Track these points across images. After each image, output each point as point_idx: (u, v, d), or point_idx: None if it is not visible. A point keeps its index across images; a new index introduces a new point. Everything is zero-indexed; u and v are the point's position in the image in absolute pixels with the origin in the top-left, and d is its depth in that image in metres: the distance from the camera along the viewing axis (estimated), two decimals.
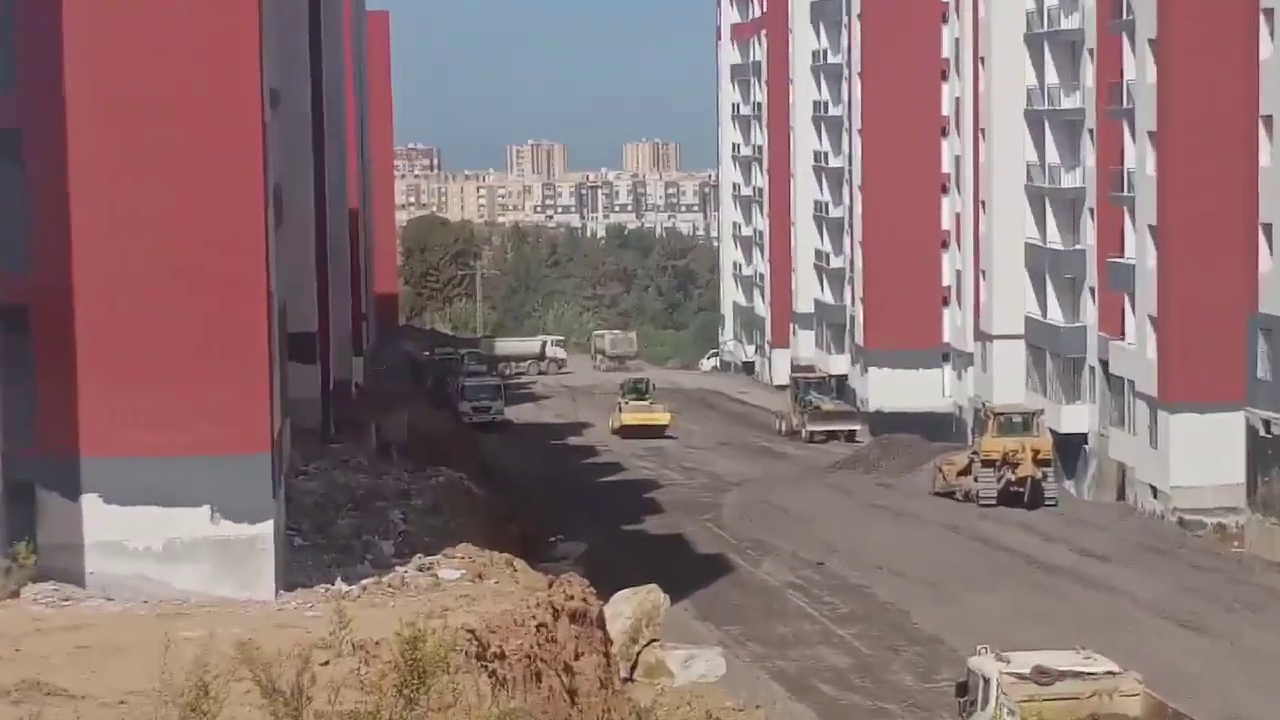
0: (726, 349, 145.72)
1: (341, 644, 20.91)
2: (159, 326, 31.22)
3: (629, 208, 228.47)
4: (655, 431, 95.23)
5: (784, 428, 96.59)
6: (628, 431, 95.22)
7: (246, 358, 31.93)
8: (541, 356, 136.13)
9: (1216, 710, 35.87)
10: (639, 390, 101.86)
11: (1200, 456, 65.87)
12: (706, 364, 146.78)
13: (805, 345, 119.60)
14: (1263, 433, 62.65)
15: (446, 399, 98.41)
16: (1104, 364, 75.56)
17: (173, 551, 31.47)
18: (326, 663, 20.69)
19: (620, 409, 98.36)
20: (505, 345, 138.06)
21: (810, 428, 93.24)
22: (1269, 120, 61.13)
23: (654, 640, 38.98)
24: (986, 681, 33.39)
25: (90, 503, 31.37)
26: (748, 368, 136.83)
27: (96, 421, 31.28)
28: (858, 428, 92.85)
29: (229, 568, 31.60)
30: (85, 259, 31.04)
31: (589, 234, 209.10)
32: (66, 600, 29.15)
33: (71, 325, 31.14)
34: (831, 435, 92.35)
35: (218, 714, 16.30)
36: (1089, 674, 33.97)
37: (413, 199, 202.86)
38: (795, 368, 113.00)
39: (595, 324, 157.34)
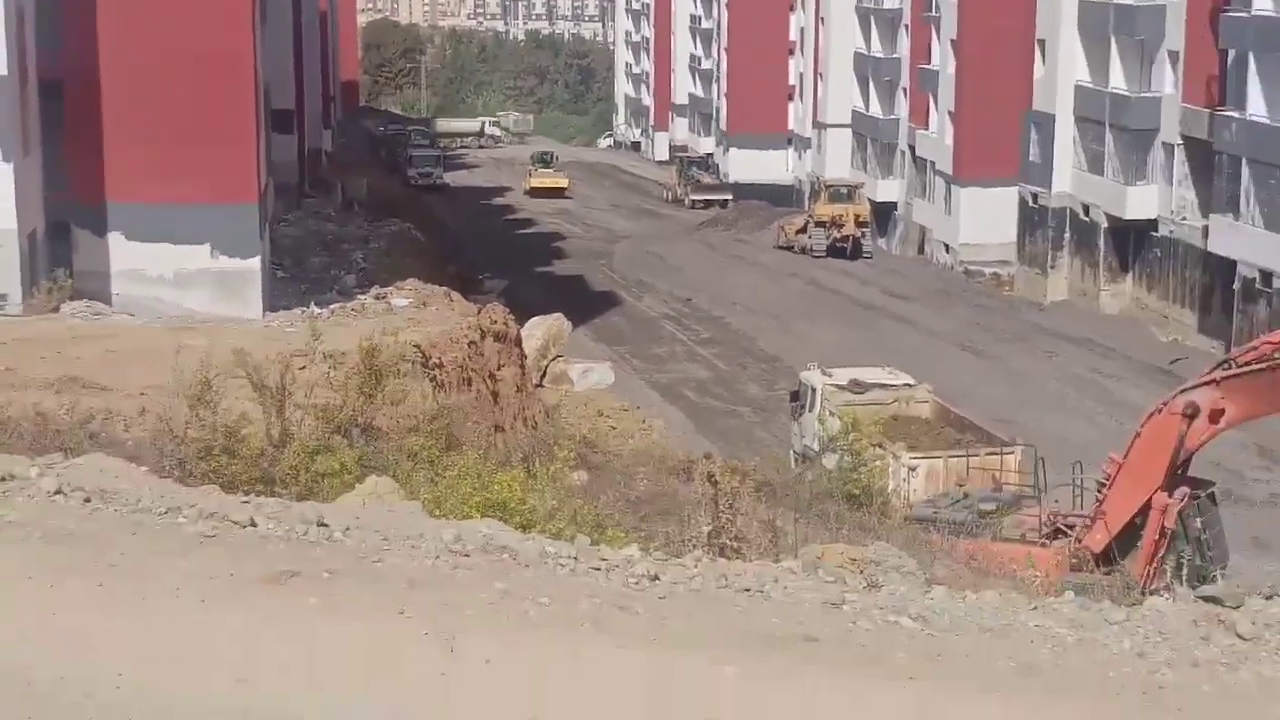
0: (619, 131, 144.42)
1: (314, 353, 20.81)
2: (168, 98, 30.65)
3: (543, 16, 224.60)
4: (557, 193, 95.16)
5: (669, 197, 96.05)
6: (536, 192, 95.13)
7: (238, 124, 31.47)
8: (481, 134, 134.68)
9: (987, 413, 36.56)
10: (545, 161, 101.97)
11: (983, 221, 66.37)
12: (603, 143, 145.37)
13: (681, 130, 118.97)
14: (1030, 203, 63.30)
15: (398, 166, 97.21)
16: (912, 149, 75.57)
17: (181, 279, 31.24)
18: (303, 367, 20.59)
19: (530, 174, 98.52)
20: (452, 124, 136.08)
21: (693, 197, 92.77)
22: None
23: (559, 356, 39.17)
24: (813, 391, 33.89)
25: (115, 239, 31.05)
26: (635, 147, 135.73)
27: (119, 174, 30.84)
28: (730, 198, 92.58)
29: (226, 292, 31.42)
30: (108, 41, 30.35)
31: (511, 37, 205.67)
32: (97, 315, 28.87)
33: (98, 96, 30.54)
34: (709, 204, 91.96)
35: (218, 403, 16.24)
36: (892, 385, 34.57)
37: (370, 4, 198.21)
38: (674, 148, 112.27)
39: (513, 109, 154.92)
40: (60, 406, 16.23)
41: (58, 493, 10.32)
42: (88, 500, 10.25)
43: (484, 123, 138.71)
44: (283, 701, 7.89)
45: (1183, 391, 22.61)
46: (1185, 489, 22.92)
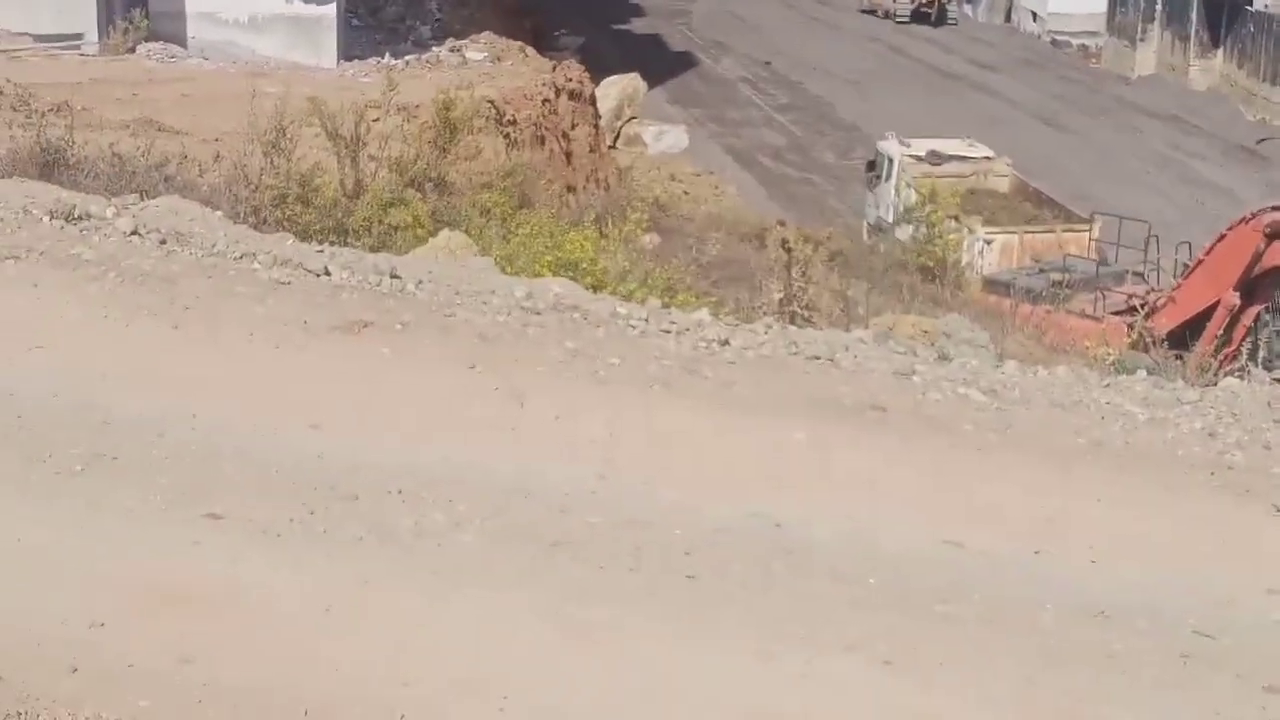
0: None
1: (389, 104, 20.67)
2: None
3: None
4: None
5: None
6: None
7: None
8: None
9: (1067, 189, 36.05)
10: None
11: None
12: None
13: None
14: None
15: None
16: None
17: (256, 24, 31.00)
18: (377, 119, 20.47)
19: None
20: None
21: None
22: None
23: (633, 118, 38.82)
24: (890, 161, 33.46)
25: None
26: None
27: None
28: None
29: (300, 39, 31.17)
30: None
31: None
32: (172, 58, 28.76)
33: None
34: None
35: (292, 151, 16.21)
36: (970, 158, 34.07)
37: None
38: None
39: None
40: (136, 148, 16.21)
41: (134, 233, 10.38)
42: (163, 242, 10.31)
43: None
44: (355, 449, 8.00)
45: (1273, 209, 22.81)
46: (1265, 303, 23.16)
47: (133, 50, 28.69)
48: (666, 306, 11.20)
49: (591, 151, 30.90)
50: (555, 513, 7.57)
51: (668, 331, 10.03)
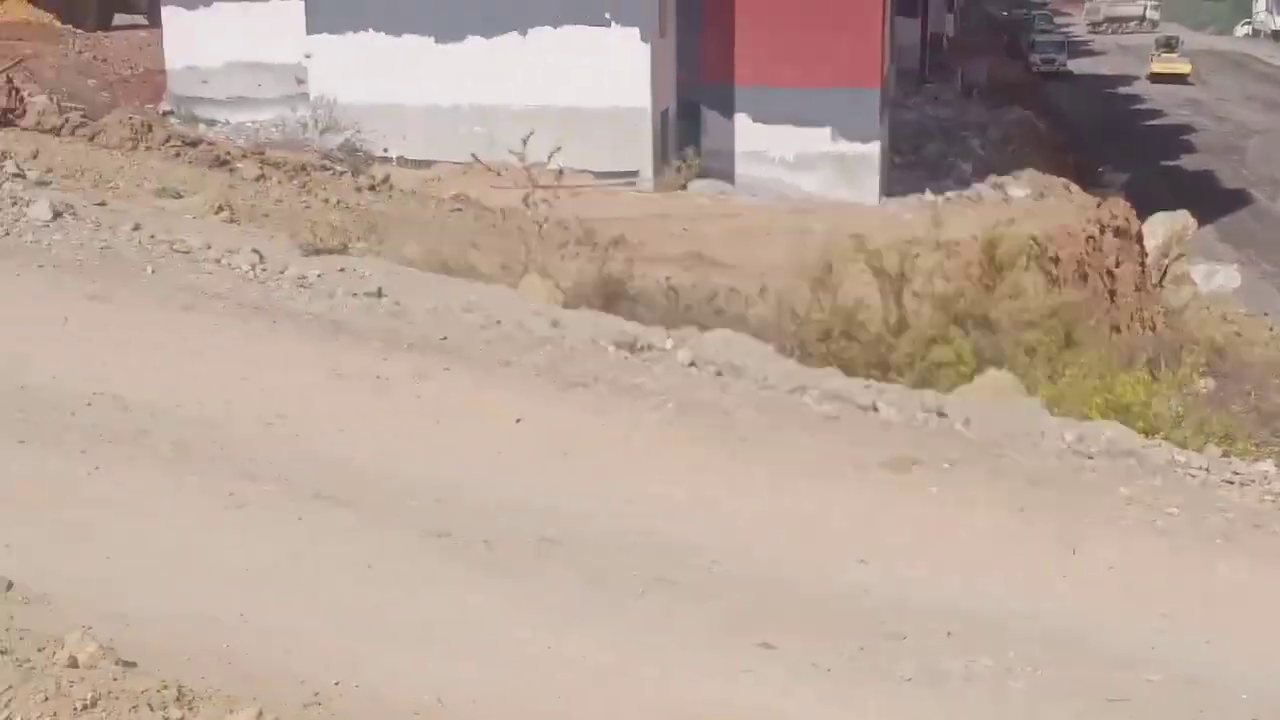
0: (1258, 19, 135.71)
1: (932, 241, 20.76)
2: None
3: None
4: (1179, 79, 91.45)
5: None
6: (1156, 78, 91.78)
7: (864, 9, 31.72)
8: (1143, 18, 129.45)
9: None
10: (1168, 45, 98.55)
11: None
12: (1240, 31, 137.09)
13: None
14: None
15: (1019, 52, 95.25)
16: None
17: (802, 162, 31.94)
18: (918, 255, 20.62)
19: (1153, 59, 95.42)
20: (1116, 8, 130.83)
21: None
22: None
23: (1181, 255, 37.58)
24: None
25: (741, 121, 32.06)
26: (1276, 36, 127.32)
27: (748, 58, 31.77)
28: None
29: (843, 176, 31.89)
30: None
31: None
32: (722, 194, 29.95)
33: None
34: None
35: (838, 285, 16.53)
36: None
37: None
38: None
39: None
40: (689, 281, 16.94)
41: (691, 365, 10.79)
42: (719, 374, 10.67)
43: (1145, 6, 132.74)
44: (903, 586, 8.00)
45: None
46: None
47: (684, 187, 30.08)
48: (1226, 455, 10.73)
49: (1137, 290, 30.12)
50: (1110, 667, 7.32)
51: (1230, 482, 9.60)
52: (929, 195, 31.93)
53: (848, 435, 9.88)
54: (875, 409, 10.45)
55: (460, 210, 23.77)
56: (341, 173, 23.71)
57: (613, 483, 8.92)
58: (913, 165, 37.34)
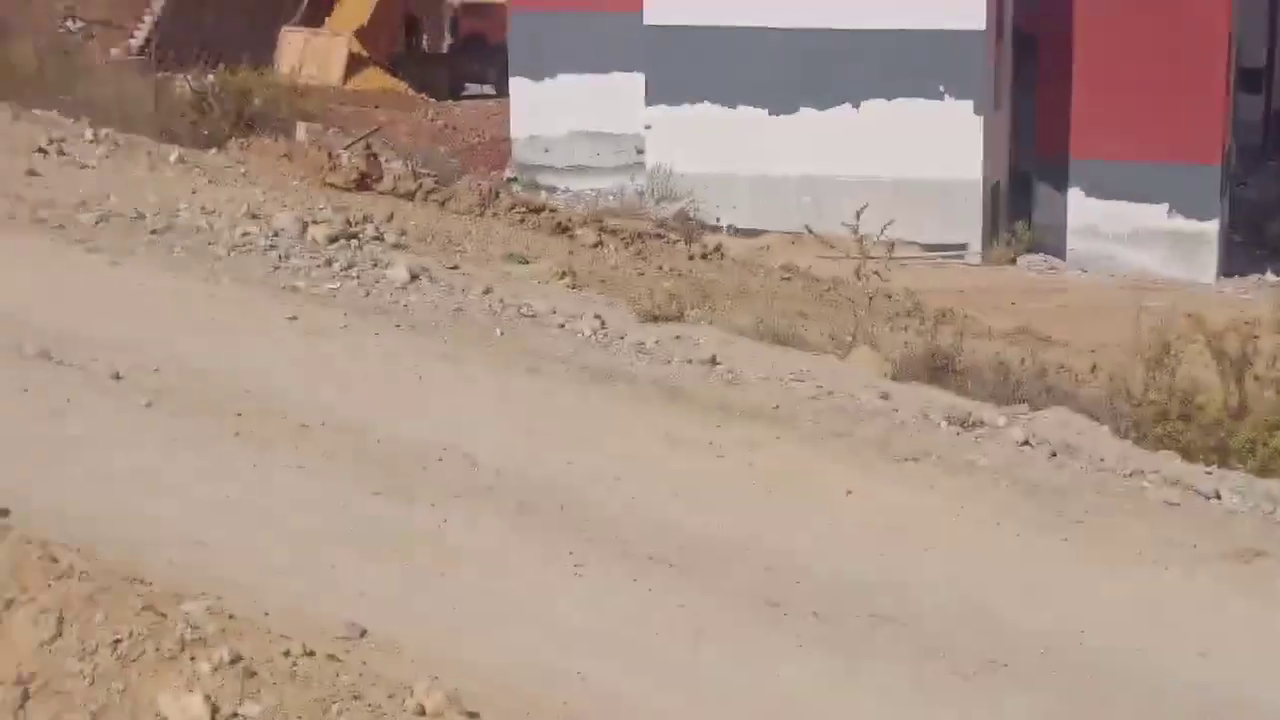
0: None
1: (1275, 323, 19.92)
2: (1139, 53, 30.57)
3: None
4: None
5: None
6: None
7: (1207, 82, 30.83)
8: None
9: None
10: None
11: None
12: None
13: None
14: None
15: None
16: None
17: (1135, 238, 31.16)
18: (1257, 336, 19.82)
19: None
20: None
21: None
22: None
23: None
24: None
25: (1074, 195, 31.52)
26: None
27: (1083, 130, 31.22)
28: None
29: (1179, 254, 31.01)
30: None
31: None
32: (1051, 269, 29.42)
33: (1070, 51, 30.99)
34: None
35: (1175, 367, 15.98)
36: None
37: None
38: None
39: None
40: (1018, 357, 16.63)
41: (1024, 443, 10.60)
42: (1054, 454, 10.45)
43: None
44: (1243, 682, 7.68)
45: None
46: None
47: (1013, 261, 29.65)
48: None
49: None
50: None
51: None
52: (1270, 276, 30.72)
53: (1188, 523, 9.55)
54: (1217, 497, 10.08)
55: (789, 279, 23.91)
56: (675, 241, 24.12)
57: (943, 560, 8.81)
58: (1253, 245, 36.00)
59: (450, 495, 8.94)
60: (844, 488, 9.65)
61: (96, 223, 13.84)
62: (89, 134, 19.31)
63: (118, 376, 10.04)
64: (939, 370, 14.65)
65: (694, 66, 32.51)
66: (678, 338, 12.61)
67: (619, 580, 8.16)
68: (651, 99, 33.40)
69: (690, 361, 11.91)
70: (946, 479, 9.87)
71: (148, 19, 51.52)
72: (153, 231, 13.80)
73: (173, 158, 18.46)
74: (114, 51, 44.19)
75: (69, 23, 49.30)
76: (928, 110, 30.89)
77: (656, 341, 12.35)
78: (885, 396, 11.53)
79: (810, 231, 23.37)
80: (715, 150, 32.38)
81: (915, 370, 14.11)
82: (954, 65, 30.75)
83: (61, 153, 17.24)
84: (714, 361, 11.95)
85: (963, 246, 30.41)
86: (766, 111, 32.37)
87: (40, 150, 17.06)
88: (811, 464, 10.00)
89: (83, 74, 28.42)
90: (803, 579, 8.41)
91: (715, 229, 30.69)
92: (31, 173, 15.72)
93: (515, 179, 36.37)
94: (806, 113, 31.95)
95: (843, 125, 31.57)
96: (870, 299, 16.28)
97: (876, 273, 16.58)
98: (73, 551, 7.07)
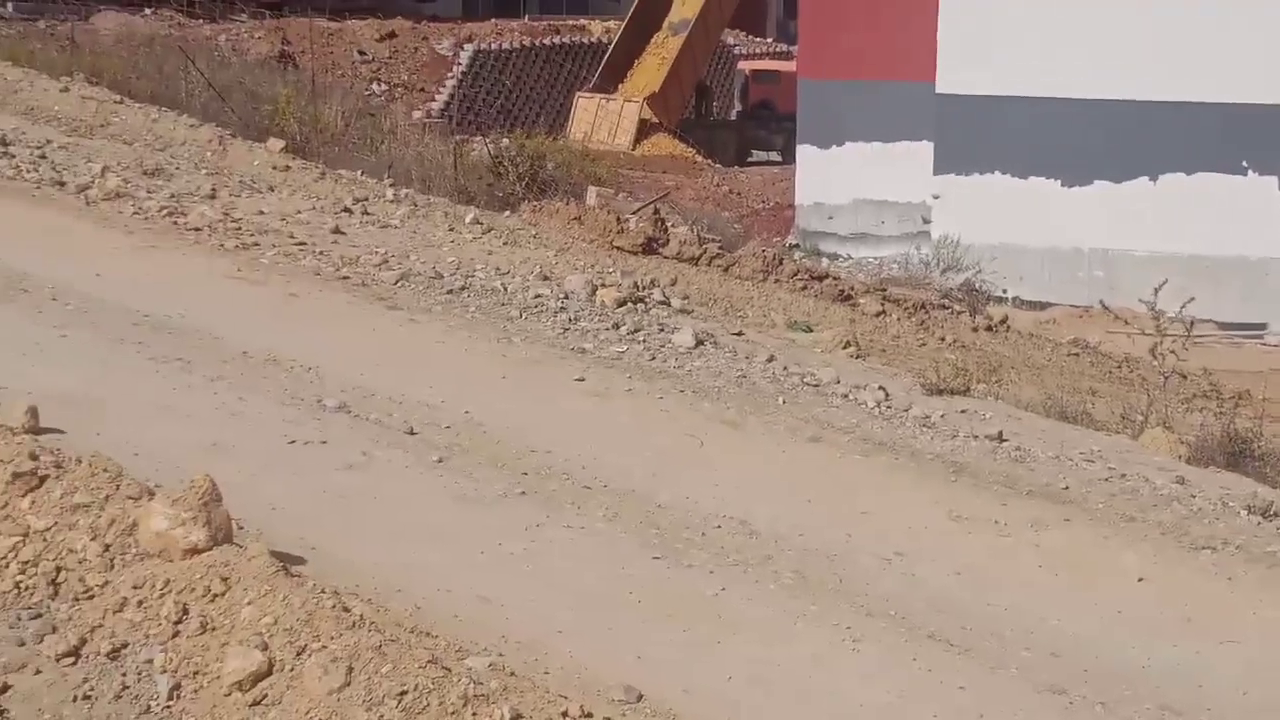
0: None
1: None
2: None
3: None
4: None
5: None
6: None
7: None
8: None
9: None
10: None
11: None
12: None
13: None
14: None
15: None
16: None
17: None
18: None
19: None
20: None
21: None
22: None
23: None
24: None
25: None
26: None
27: None
28: None
29: None
30: None
31: None
32: None
33: None
34: None
35: None
36: None
37: None
38: None
39: None
40: None
41: None
42: None
43: None
44: None
45: None
46: None
47: None
48: None
49: None
50: None
51: None
52: None
53: None
54: None
55: (1077, 355, 23.30)
56: (959, 312, 23.76)
57: (1241, 655, 8.42)
58: None
59: (729, 562, 8.91)
60: (1135, 573, 9.32)
61: (396, 281, 14.29)
62: (390, 194, 20.02)
63: (412, 432, 10.31)
64: (1237, 455, 14.08)
65: (985, 136, 32.13)
66: (963, 412, 12.40)
67: (898, 657, 8.00)
68: (940, 168, 33.10)
69: (976, 437, 11.67)
70: (1246, 570, 9.44)
71: (449, 83, 53.31)
72: (449, 291, 14.18)
73: (469, 218, 18.99)
74: (416, 114, 45.80)
75: (374, 86, 51.32)
76: (1228, 185, 29.93)
77: (942, 415, 12.15)
78: (1180, 481, 11.12)
79: (1104, 306, 22.78)
80: (1004, 221, 31.90)
81: (1211, 454, 13.59)
82: (1257, 140, 29.75)
83: (366, 212, 17.90)
84: (1000, 438, 11.69)
85: (1263, 326, 29.27)
86: (1059, 182, 31.77)
87: (346, 210, 17.75)
88: (1101, 547, 9.68)
89: (386, 136, 29.52)
90: (1090, 667, 8.13)
91: (1000, 300, 30.15)
92: (337, 231, 16.34)
93: (798, 245, 36.37)
94: (1101, 185, 31.25)
95: (1139, 198, 30.79)
96: (1165, 378, 15.76)
97: (1172, 351, 16.06)
98: (364, 602, 7.26)
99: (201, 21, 55.00)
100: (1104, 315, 26.28)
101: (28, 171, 17.04)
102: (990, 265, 31.16)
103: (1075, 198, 31.58)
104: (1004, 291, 31.07)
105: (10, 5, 50.20)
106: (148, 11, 54.21)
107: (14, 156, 17.66)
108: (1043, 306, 30.86)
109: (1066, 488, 10.70)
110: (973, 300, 27.33)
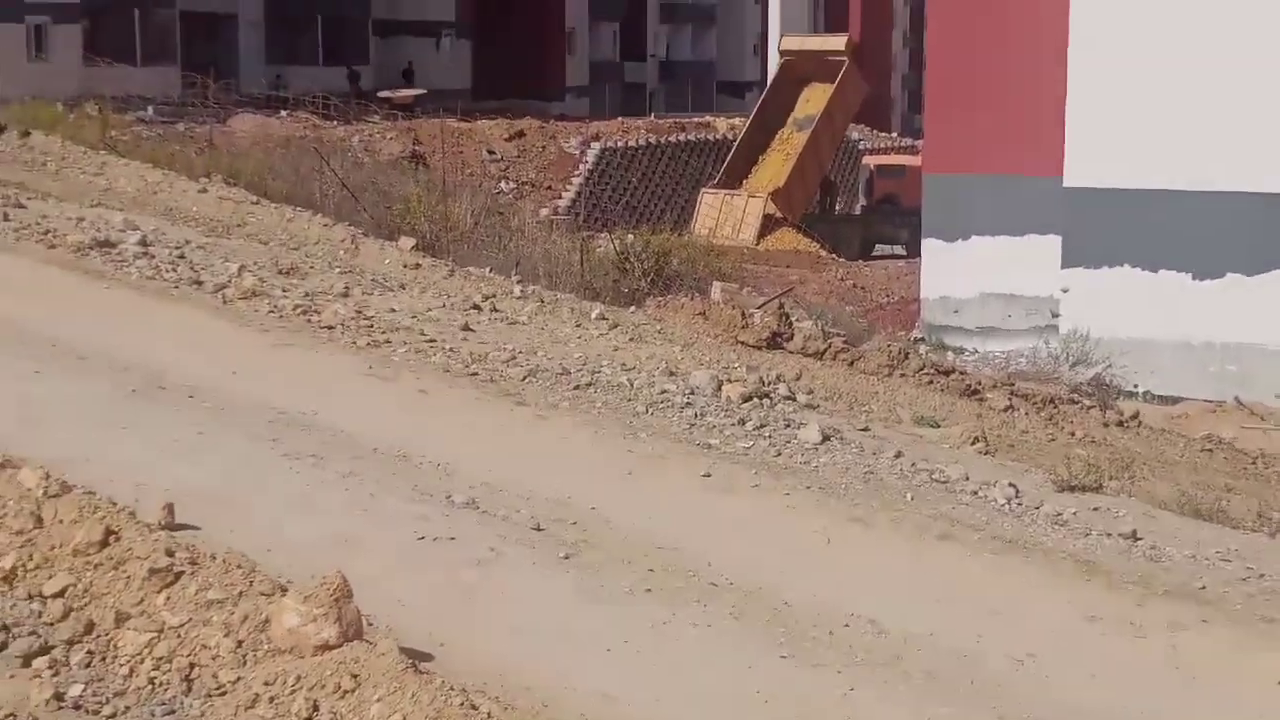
0: None
1: None
2: None
3: None
4: None
5: None
6: None
7: None
8: None
9: None
10: None
11: None
12: None
13: None
14: None
15: None
16: None
17: None
18: None
19: None
20: None
21: None
22: None
23: None
24: None
25: None
26: None
27: None
28: None
29: None
30: None
31: None
32: None
33: None
34: None
35: None
36: None
37: None
38: None
39: None
40: None
41: None
42: None
43: None
44: None
45: None
46: None
47: None
48: None
49: None
50: None
51: None
52: None
53: None
54: None
55: (1210, 451, 22.82)
56: (1089, 407, 23.39)
57: None
58: None
59: (857, 661, 8.80)
60: (1275, 677, 9.05)
61: (524, 377, 14.39)
62: (517, 290, 20.22)
63: (539, 528, 10.33)
64: None
65: (1114, 229, 31.81)
66: (1096, 509, 12.18)
67: None
68: (1068, 261, 32.78)
69: (1109, 535, 11.46)
70: None
71: (575, 181, 53.98)
72: (576, 387, 14.25)
73: (595, 314, 19.11)
74: (543, 211, 46.36)
75: (502, 184, 52.07)
76: None
77: (1074, 513, 11.94)
78: None
79: (1239, 402, 22.35)
80: (1134, 314, 31.47)
81: None
82: None
83: (494, 309, 18.08)
84: (1135, 536, 11.46)
85: None
86: (1190, 276, 31.32)
87: (475, 306, 17.94)
88: (1240, 650, 9.41)
89: (514, 233, 29.89)
90: None
91: (1131, 395, 29.66)
92: (466, 328, 16.51)
93: (924, 340, 36.13)
94: (1233, 278, 30.76)
95: (1273, 292, 30.24)
96: None
97: None
98: (491, 699, 7.25)
99: (335, 123, 56.32)
100: (1238, 410, 25.78)
101: (166, 271, 17.41)
102: (1120, 359, 30.70)
103: (1207, 291, 31.09)
104: (1134, 386, 30.58)
105: (151, 109, 51.77)
106: (283, 114, 55.64)
107: (153, 256, 18.06)
108: (1174, 401, 30.30)
109: (1203, 587, 10.45)
110: (1102, 395, 26.90)
